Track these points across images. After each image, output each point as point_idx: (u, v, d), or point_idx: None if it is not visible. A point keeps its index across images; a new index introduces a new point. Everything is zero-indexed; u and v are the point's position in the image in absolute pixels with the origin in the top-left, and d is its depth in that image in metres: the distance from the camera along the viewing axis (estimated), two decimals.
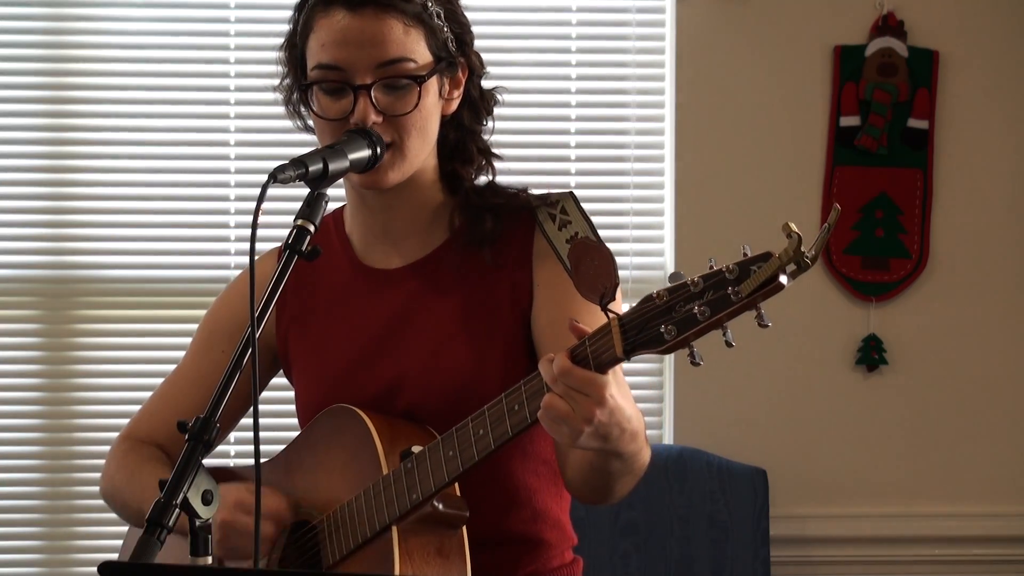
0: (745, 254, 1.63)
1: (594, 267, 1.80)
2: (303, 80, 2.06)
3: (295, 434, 2.20)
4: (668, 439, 3.59)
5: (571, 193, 1.93)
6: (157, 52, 3.57)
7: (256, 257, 1.75)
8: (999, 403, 3.63)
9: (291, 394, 2.26)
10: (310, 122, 2.13)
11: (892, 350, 3.60)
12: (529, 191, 2.13)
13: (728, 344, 1.68)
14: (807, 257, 1.59)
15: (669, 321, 1.67)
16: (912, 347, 3.61)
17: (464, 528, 1.99)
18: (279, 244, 2.22)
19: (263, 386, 1.84)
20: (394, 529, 1.95)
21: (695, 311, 1.65)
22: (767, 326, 1.64)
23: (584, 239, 1.87)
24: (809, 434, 3.60)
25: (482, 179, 2.17)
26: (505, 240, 2.11)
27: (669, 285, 1.69)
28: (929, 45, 3.58)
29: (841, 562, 3.61)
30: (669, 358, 3.54)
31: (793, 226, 1.58)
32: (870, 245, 3.58)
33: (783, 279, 1.61)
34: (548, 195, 2.03)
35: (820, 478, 3.60)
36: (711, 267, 1.66)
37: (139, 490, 2.15)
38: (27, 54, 3.58)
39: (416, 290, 2.12)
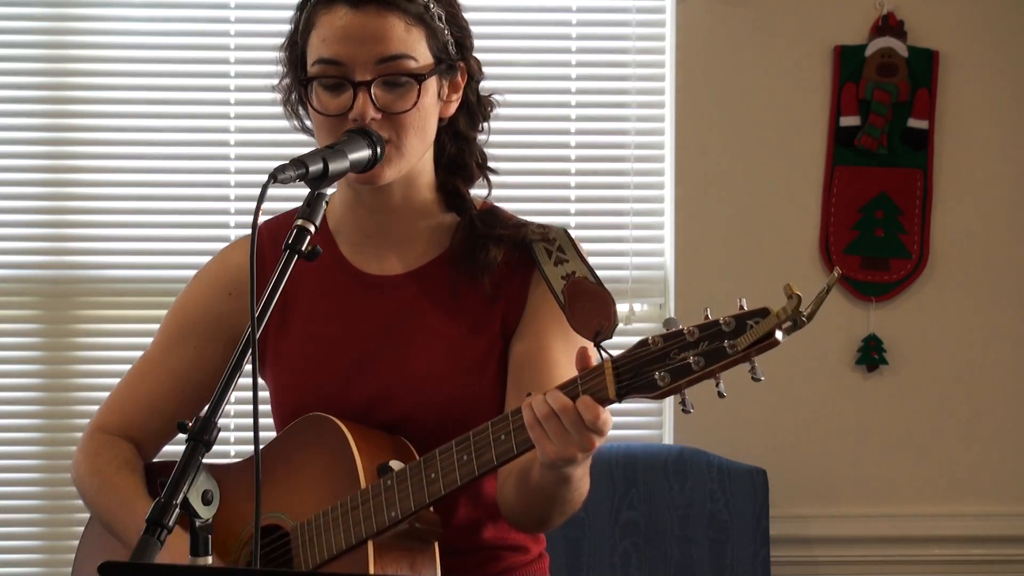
0: (741, 307, 1.67)
1: (590, 307, 1.84)
2: (303, 76, 2.06)
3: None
4: (668, 439, 3.59)
5: (566, 231, 1.98)
6: (157, 52, 3.57)
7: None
8: (999, 403, 3.63)
9: None
10: (308, 123, 2.13)
11: (892, 350, 3.60)
12: (529, 225, 2.11)
13: (720, 395, 1.73)
14: (804, 316, 1.64)
15: (663, 368, 1.72)
16: (912, 347, 3.60)
17: (436, 542, 2.00)
18: (247, 233, 2.19)
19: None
20: (370, 544, 1.96)
21: (690, 361, 1.70)
22: (760, 380, 1.67)
23: (583, 279, 1.91)
24: (809, 434, 3.60)
25: (480, 192, 2.17)
26: (505, 272, 2.10)
27: (664, 332, 1.72)
28: (929, 45, 3.58)
29: (841, 562, 3.61)
30: None
31: (794, 287, 1.62)
32: (870, 245, 3.58)
33: (779, 335, 1.66)
34: (547, 231, 2.04)
35: (820, 478, 3.60)
36: (707, 317, 1.69)
37: (108, 504, 2.21)
38: (27, 54, 3.58)
39: (408, 300, 2.11)
